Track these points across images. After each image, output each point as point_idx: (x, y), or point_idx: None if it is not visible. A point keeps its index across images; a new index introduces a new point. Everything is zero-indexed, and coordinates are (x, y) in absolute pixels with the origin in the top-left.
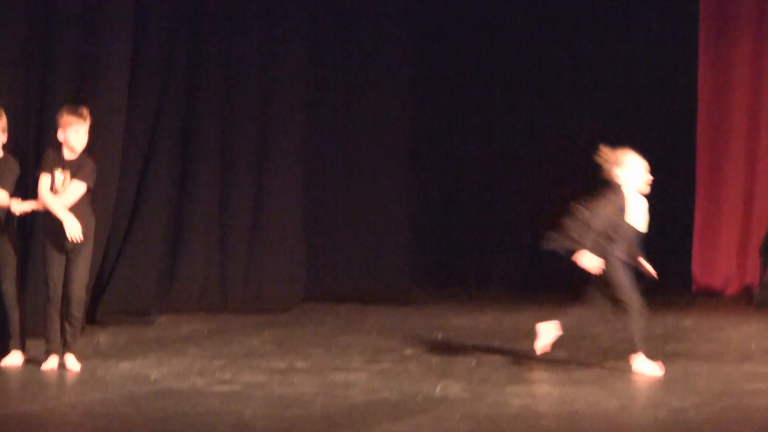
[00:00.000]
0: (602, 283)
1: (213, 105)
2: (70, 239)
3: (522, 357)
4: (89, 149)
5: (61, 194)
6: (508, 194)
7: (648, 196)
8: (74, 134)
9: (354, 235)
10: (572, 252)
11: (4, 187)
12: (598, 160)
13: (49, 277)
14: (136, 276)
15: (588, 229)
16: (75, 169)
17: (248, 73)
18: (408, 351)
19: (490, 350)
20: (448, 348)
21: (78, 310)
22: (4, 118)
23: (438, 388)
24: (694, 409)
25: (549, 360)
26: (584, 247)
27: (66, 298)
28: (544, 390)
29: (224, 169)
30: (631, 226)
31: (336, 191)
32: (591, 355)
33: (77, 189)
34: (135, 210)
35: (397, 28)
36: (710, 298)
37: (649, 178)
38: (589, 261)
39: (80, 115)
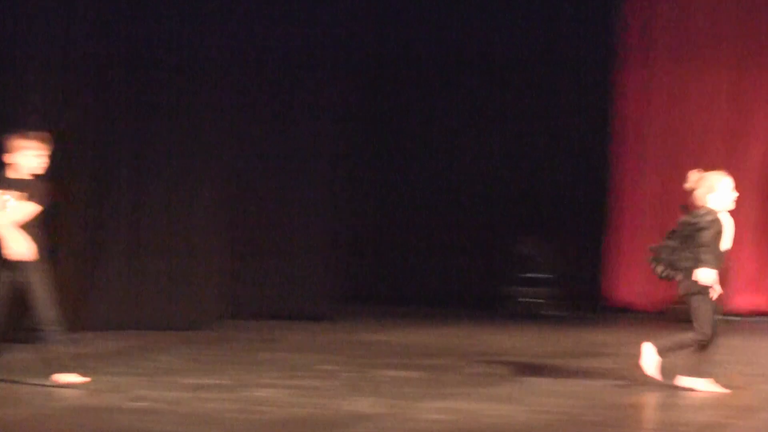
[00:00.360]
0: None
1: (127, 125)
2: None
3: (437, 372)
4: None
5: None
6: (426, 213)
7: (562, 211)
8: (25, 157)
9: (273, 253)
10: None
11: None
12: (689, 186)
13: None
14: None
15: (697, 250)
16: (26, 191)
17: (164, 87)
18: (325, 367)
19: (406, 366)
20: (364, 364)
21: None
22: None
23: (354, 404)
24: (608, 423)
25: (464, 374)
26: (705, 264)
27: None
28: (457, 405)
29: (140, 185)
30: (722, 252)
31: (256, 209)
32: (506, 370)
33: (29, 209)
34: (51, 229)
35: (321, 49)
36: (622, 314)
37: (736, 194)
38: (707, 276)
39: (32, 139)
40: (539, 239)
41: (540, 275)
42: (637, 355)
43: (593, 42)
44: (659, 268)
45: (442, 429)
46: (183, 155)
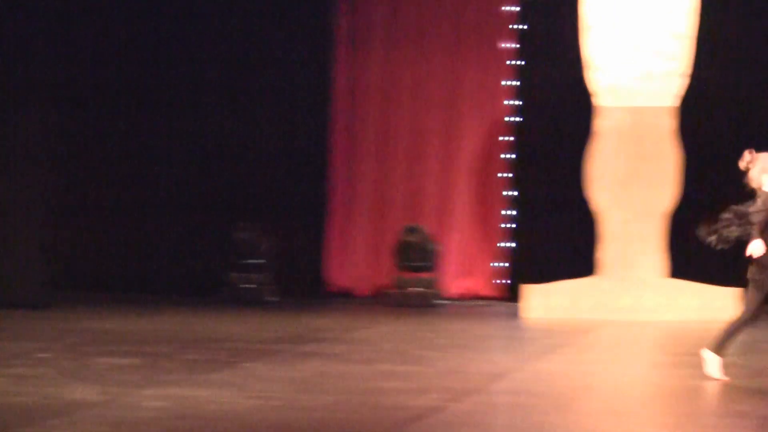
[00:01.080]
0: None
1: None
2: None
3: (157, 359)
4: None
5: None
6: (145, 199)
7: (282, 198)
8: None
9: None
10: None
11: None
12: (744, 165)
13: None
14: None
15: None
16: None
17: None
18: (44, 355)
19: (126, 353)
20: (83, 352)
21: None
22: None
23: (75, 392)
24: (329, 408)
25: (184, 361)
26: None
27: None
28: (178, 392)
29: None
30: None
31: None
32: (226, 356)
33: None
34: None
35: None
36: (343, 299)
37: None
38: (759, 248)
39: None
40: (259, 225)
41: (260, 261)
42: (358, 339)
43: (310, 28)
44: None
45: (163, 416)
46: None
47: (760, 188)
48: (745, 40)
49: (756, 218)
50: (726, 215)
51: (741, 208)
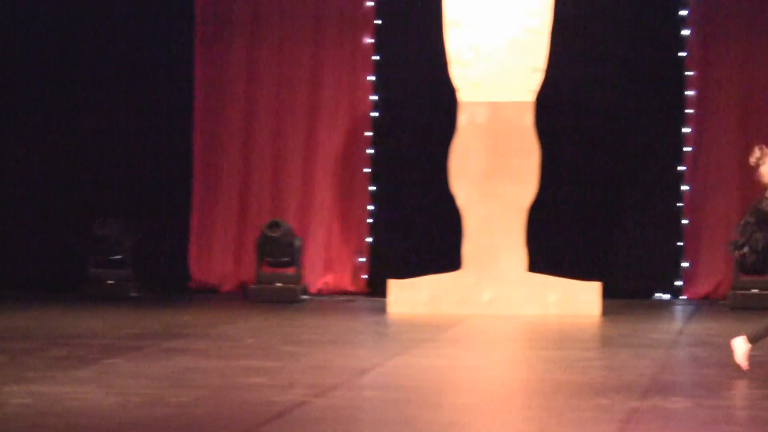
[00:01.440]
0: None
1: None
2: None
3: (19, 355)
4: None
5: None
6: (14, 196)
7: (146, 193)
8: None
9: None
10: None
11: None
12: (754, 161)
13: None
14: None
15: None
16: None
17: None
18: None
19: None
20: None
21: None
22: None
23: None
24: (193, 404)
25: (47, 358)
26: None
27: None
28: (41, 389)
29: None
30: None
31: None
32: (88, 353)
33: None
34: None
35: None
36: (207, 294)
37: None
38: None
39: None
40: (124, 221)
41: (124, 257)
42: (222, 335)
43: (170, 22)
44: (747, 256)
45: (26, 413)
46: None
47: None
48: (598, 35)
49: None
50: (747, 219)
51: (761, 207)
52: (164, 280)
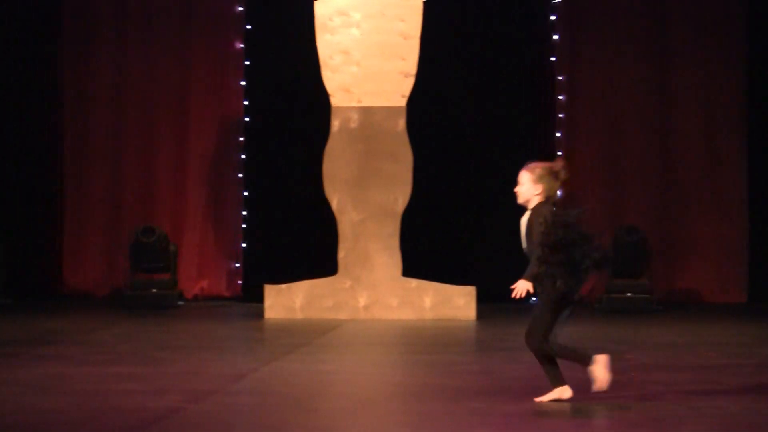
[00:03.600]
0: None
1: None
2: None
3: None
4: None
5: None
6: None
7: (17, 199)
8: None
9: None
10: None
11: None
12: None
13: None
14: None
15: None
16: None
17: None
18: None
19: None
20: None
21: None
22: None
23: None
24: (65, 410)
25: None
26: None
27: None
28: None
29: None
30: None
31: None
32: None
33: None
34: None
35: None
36: (80, 300)
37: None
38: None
39: None
40: None
41: None
42: (94, 341)
43: (36, 25)
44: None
45: None
46: None
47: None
48: (469, 40)
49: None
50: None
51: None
52: (35, 285)
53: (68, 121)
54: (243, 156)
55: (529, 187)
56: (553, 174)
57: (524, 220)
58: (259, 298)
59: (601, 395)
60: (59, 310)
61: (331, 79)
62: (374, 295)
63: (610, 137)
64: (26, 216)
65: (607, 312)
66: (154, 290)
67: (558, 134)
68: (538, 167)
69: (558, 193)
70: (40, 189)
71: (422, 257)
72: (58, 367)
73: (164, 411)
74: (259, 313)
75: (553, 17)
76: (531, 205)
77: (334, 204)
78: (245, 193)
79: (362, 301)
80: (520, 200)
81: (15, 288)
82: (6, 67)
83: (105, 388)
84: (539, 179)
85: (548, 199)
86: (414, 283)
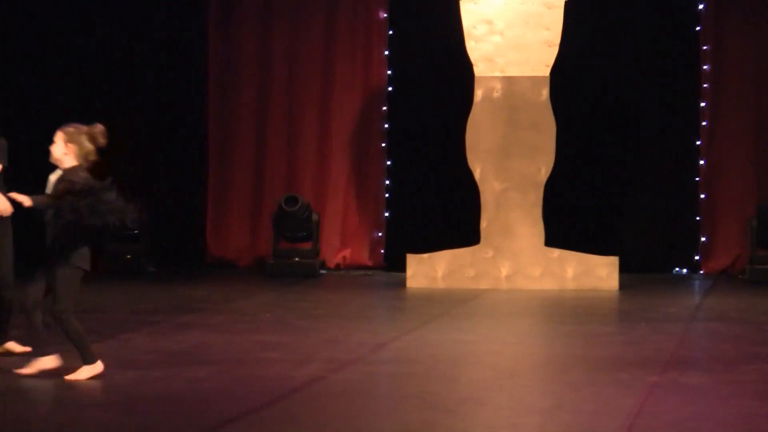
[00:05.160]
0: None
1: None
2: None
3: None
4: None
5: None
6: None
7: (162, 168)
8: None
9: None
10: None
11: None
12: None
13: None
14: None
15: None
16: None
17: None
18: None
19: None
20: None
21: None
22: None
23: None
24: (209, 379)
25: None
26: None
27: None
28: (59, 363)
29: None
30: None
31: None
32: (105, 327)
33: None
34: None
35: None
36: (224, 269)
37: None
38: None
39: None
40: (139, 197)
41: (141, 232)
42: (238, 310)
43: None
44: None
45: (43, 386)
46: None
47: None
48: (613, 9)
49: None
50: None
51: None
52: (180, 255)
53: (213, 91)
54: (386, 125)
55: (60, 147)
56: (90, 137)
57: (53, 177)
58: (401, 267)
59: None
60: (202, 278)
61: (474, 48)
62: (516, 265)
63: (757, 108)
64: (171, 185)
65: (752, 283)
66: (297, 259)
67: (702, 104)
68: (72, 128)
69: (93, 156)
70: (184, 158)
71: (565, 227)
72: (202, 335)
73: (307, 379)
74: (401, 283)
75: None
76: (64, 165)
77: (477, 173)
78: (388, 163)
79: (504, 271)
80: (52, 159)
81: (159, 257)
82: (154, 40)
83: (248, 356)
84: (71, 140)
85: (81, 164)
86: (556, 253)
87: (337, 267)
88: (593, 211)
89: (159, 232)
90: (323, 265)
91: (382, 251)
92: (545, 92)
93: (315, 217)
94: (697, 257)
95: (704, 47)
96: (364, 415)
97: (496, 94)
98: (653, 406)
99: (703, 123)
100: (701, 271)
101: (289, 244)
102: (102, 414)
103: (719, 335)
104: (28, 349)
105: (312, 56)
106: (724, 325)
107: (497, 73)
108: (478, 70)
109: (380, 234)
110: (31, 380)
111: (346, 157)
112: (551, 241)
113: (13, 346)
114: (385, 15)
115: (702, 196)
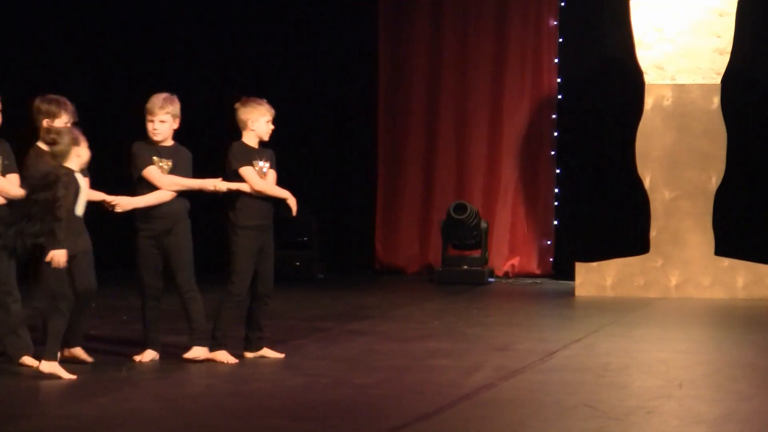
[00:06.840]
0: None
1: None
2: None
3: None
4: None
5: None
6: None
7: (331, 176)
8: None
9: None
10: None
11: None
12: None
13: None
14: None
15: None
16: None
17: None
18: None
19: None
20: None
21: None
22: None
23: None
24: (378, 385)
25: (232, 338)
26: None
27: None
28: (228, 369)
29: None
30: None
31: None
32: (275, 334)
33: None
34: None
35: None
36: (392, 276)
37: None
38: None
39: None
40: (305, 204)
41: (311, 239)
42: (406, 317)
43: (354, 9)
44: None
45: (212, 393)
46: None
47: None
48: None
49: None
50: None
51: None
52: (349, 261)
53: (383, 96)
54: (555, 133)
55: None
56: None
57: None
58: (570, 276)
59: None
60: (371, 285)
61: (644, 56)
62: (686, 274)
63: None
64: (340, 192)
65: None
66: (465, 267)
67: None
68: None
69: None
70: (353, 165)
71: (736, 236)
72: (371, 342)
73: (476, 387)
74: (570, 291)
75: None
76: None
77: (647, 182)
78: (557, 171)
79: (674, 280)
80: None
81: (329, 264)
82: (326, 42)
83: (417, 363)
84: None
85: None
86: (726, 262)
87: (506, 275)
88: (765, 220)
89: (328, 239)
90: (492, 273)
91: (551, 259)
92: (716, 100)
93: (484, 224)
94: None
95: None
96: (533, 423)
97: (666, 102)
98: None
99: None
100: None
101: (458, 251)
102: (270, 420)
103: None
104: (90, 359)
105: (481, 62)
106: None
107: (667, 81)
108: (649, 77)
109: (549, 242)
110: (200, 387)
111: (515, 165)
112: (721, 250)
113: (79, 352)
114: (556, 23)
115: None
